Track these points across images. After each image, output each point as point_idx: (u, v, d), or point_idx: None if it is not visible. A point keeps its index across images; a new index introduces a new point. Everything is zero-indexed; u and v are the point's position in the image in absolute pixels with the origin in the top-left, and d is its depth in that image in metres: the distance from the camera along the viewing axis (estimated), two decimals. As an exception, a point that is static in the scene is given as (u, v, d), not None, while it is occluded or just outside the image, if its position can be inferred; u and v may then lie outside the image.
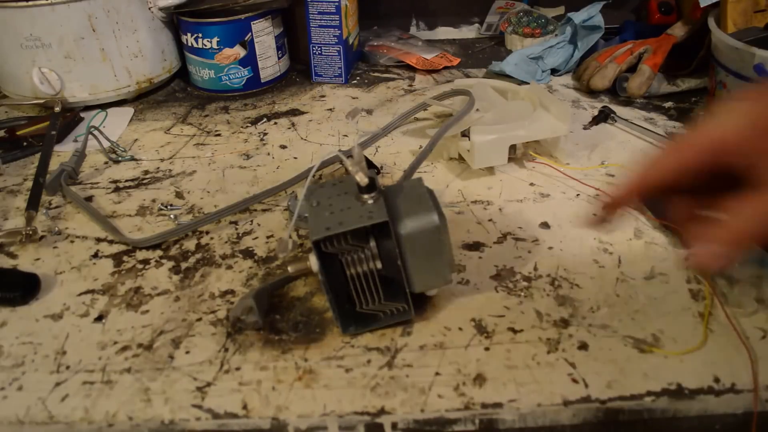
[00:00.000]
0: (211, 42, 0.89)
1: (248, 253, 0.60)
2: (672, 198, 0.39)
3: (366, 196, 0.47)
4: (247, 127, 0.83)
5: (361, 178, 0.46)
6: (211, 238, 0.62)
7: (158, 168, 0.75)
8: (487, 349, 0.48)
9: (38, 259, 0.60)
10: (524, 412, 0.44)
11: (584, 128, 0.78)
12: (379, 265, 0.47)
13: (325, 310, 0.52)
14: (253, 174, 0.72)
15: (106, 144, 0.77)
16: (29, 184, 0.71)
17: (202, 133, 0.82)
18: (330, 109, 0.87)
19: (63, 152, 0.78)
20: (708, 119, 0.36)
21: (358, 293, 0.48)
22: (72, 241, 0.63)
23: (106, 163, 0.76)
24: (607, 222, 0.40)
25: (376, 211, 0.46)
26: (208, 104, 0.91)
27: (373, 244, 0.46)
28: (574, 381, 0.45)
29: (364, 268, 0.47)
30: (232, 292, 0.55)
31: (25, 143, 0.79)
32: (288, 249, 0.49)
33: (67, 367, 0.48)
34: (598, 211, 0.40)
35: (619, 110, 0.80)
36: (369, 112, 0.85)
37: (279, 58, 0.95)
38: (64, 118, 0.82)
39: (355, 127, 0.81)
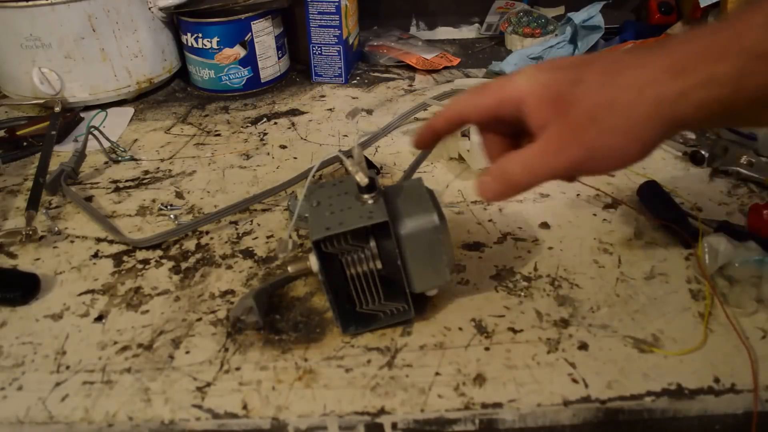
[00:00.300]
0: (211, 42, 0.89)
1: (248, 253, 0.60)
2: (487, 136, 0.45)
3: (366, 196, 0.47)
4: (247, 127, 0.83)
5: (361, 178, 0.46)
6: (211, 238, 0.62)
7: (158, 168, 0.75)
8: (487, 349, 0.48)
9: (38, 259, 0.60)
10: (524, 412, 0.44)
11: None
12: (379, 265, 0.47)
13: (325, 310, 0.52)
14: (253, 174, 0.72)
15: (106, 144, 0.77)
16: (29, 184, 0.71)
17: (202, 133, 0.82)
18: (330, 109, 0.87)
19: (63, 152, 0.78)
20: (508, 76, 0.41)
21: (358, 293, 0.48)
22: (72, 241, 0.63)
23: (106, 163, 0.76)
24: (424, 146, 0.47)
25: (376, 211, 0.46)
26: (208, 104, 0.91)
27: (373, 244, 0.46)
28: (574, 381, 0.45)
29: (364, 268, 0.47)
30: (232, 292, 0.55)
31: (25, 143, 0.79)
32: (288, 249, 0.49)
33: (67, 367, 0.48)
34: (418, 137, 0.46)
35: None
36: (369, 112, 0.85)
37: (279, 58, 0.95)
38: (64, 118, 0.82)
39: (355, 127, 0.81)
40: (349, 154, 0.47)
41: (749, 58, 0.34)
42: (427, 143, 0.47)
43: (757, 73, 0.34)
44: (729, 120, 0.38)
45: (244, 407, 0.44)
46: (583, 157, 0.38)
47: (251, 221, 0.64)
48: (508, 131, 0.44)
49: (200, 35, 0.89)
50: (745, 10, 0.36)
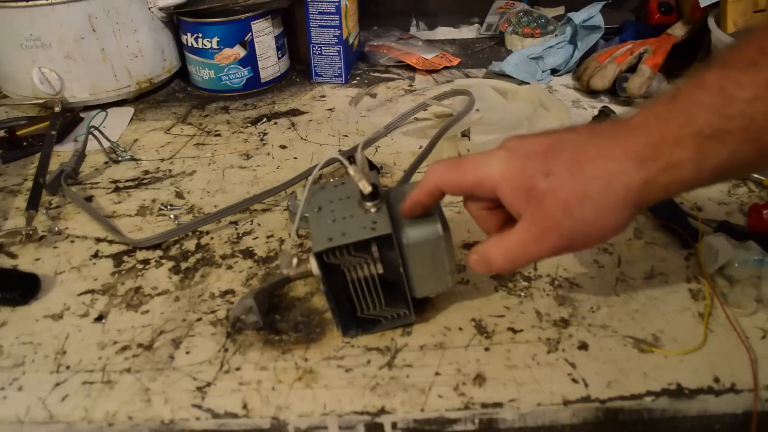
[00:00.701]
0: (211, 42, 0.89)
1: (248, 253, 0.60)
2: (472, 204, 0.46)
3: (369, 204, 0.46)
4: (247, 127, 0.83)
5: (365, 186, 0.45)
6: (211, 238, 0.62)
7: (158, 168, 0.75)
8: (487, 349, 0.48)
9: (38, 259, 0.60)
10: (524, 412, 0.44)
11: (584, 128, 0.78)
12: (380, 269, 0.46)
13: (325, 310, 0.52)
14: (253, 174, 0.72)
15: (106, 144, 0.77)
16: (29, 184, 0.71)
17: (202, 133, 0.82)
18: (330, 109, 0.87)
19: (63, 152, 0.78)
20: (479, 159, 0.43)
21: (359, 298, 0.47)
22: (72, 241, 0.63)
23: (106, 163, 0.76)
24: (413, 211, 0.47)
25: (379, 222, 0.45)
26: (208, 104, 0.91)
27: (374, 249, 0.46)
28: (574, 381, 0.45)
29: (365, 273, 0.46)
30: (232, 292, 0.55)
31: (25, 143, 0.79)
32: (292, 266, 0.49)
33: (67, 367, 0.48)
34: (408, 211, 0.46)
35: (619, 110, 0.79)
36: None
37: (279, 58, 0.95)
38: (64, 118, 0.82)
39: (355, 127, 0.81)
40: (350, 155, 0.46)
41: (703, 140, 0.37)
42: (416, 214, 0.47)
43: (713, 152, 0.37)
44: (715, 181, 0.40)
45: (244, 407, 0.44)
46: (561, 245, 0.41)
47: (251, 221, 0.64)
48: (492, 203, 0.45)
49: (200, 35, 0.89)
50: (693, 85, 0.38)
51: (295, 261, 0.49)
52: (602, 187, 0.39)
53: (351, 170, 0.45)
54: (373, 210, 0.46)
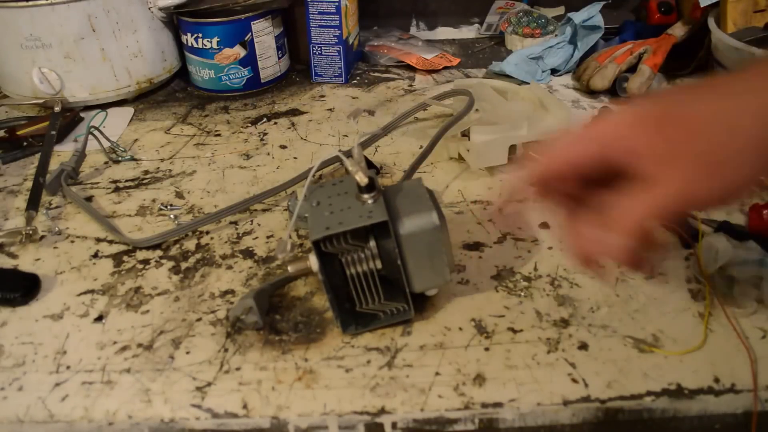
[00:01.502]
0: (211, 42, 0.89)
1: (248, 253, 0.60)
2: (563, 188, 0.41)
3: (366, 196, 0.47)
4: (247, 127, 0.83)
5: (361, 178, 0.46)
6: (211, 238, 0.62)
7: (158, 168, 0.75)
8: (487, 349, 0.48)
9: (38, 259, 0.60)
10: (524, 412, 0.44)
11: (584, 128, 0.78)
12: (378, 264, 0.47)
13: (325, 310, 0.52)
14: (253, 174, 0.72)
15: (106, 144, 0.77)
16: (29, 184, 0.71)
17: (202, 133, 0.82)
18: (330, 109, 0.87)
19: (63, 152, 0.78)
20: (600, 117, 0.37)
21: (358, 293, 0.48)
22: (72, 241, 0.63)
23: (106, 163, 0.76)
24: (506, 211, 0.41)
25: (375, 211, 0.46)
26: (208, 104, 0.91)
27: (372, 243, 0.46)
28: (574, 381, 0.45)
29: (363, 268, 0.47)
30: (232, 292, 0.55)
31: (25, 143, 0.79)
32: (287, 250, 0.49)
33: (67, 367, 0.48)
34: (502, 199, 0.41)
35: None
36: (371, 113, 0.85)
37: (279, 58, 0.95)
38: (64, 118, 0.82)
39: (355, 127, 0.81)
40: (349, 154, 0.47)
41: None
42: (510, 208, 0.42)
43: None
44: None
45: (244, 407, 0.44)
46: (700, 183, 0.35)
47: (251, 221, 0.64)
48: (580, 186, 0.40)
49: (200, 35, 0.89)
50: None
51: (289, 246, 0.49)
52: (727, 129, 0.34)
53: (348, 163, 0.46)
54: (370, 201, 0.47)
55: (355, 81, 0.96)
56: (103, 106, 0.89)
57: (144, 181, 0.72)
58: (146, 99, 0.93)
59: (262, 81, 0.94)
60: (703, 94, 0.37)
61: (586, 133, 0.39)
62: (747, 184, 0.36)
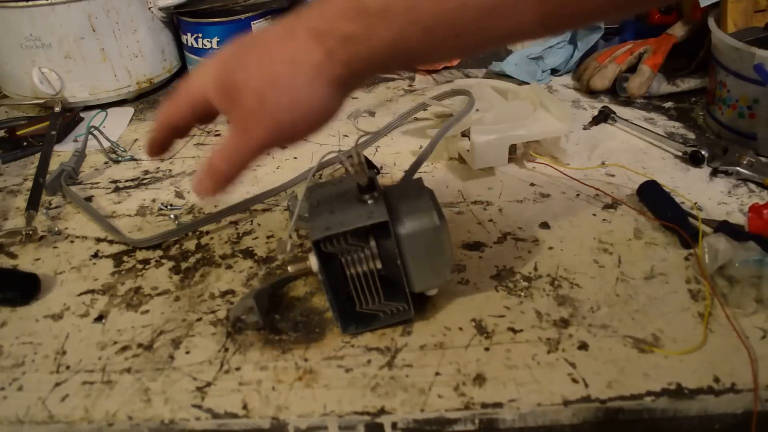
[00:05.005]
0: (211, 42, 0.89)
1: (248, 253, 0.60)
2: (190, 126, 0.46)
3: (366, 196, 0.47)
4: (247, 127, 0.83)
5: (361, 178, 0.46)
6: (211, 238, 0.62)
7: (158, 168, 0.75)
8: (487, 349, 0.48)
9: (38, 259, 0.60)
10: (524, 412, 0.44)
11: (584, 128, 0.78)
12: (378, 264, 0.47)
13: (325, 310, 0.52)
14: (253, 174, 0.72)
15: (106, 144, 0.77)
16: (29, 184, 0.71)
17: (202, 133, 0.82)
18: (330, 109, 0.87)
19: (63, 152, 0.78)
20: (192, 73, 0.43)
21: (358, 293, 0.48)
22: (72, 241, 0.63)
23: (106, 163, 0.76)
24: (154, 149, 0.47)
25: (375, 211, 0.46)
26: (208, 104, 0.91)
27: (373, 243, 0.46)
28: (574, 381, 0.45)
29: (363, 268, 0.47)
30: (232, 292, 0.55)
31: (25, 143, 0.79)
32: (287, 250, 0.49)
33: (67, 367, 0.48)
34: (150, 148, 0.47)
35: (619, 110, 0.80)
36: (371, 113, 0.85)
37: (279, 58, 0.95)
38: (64, 118, 0.82)
39: (355, 127, 0.81)
40: (349, 154, 0.47)
41: (370, 16, 0.37)
42: (161, 149, 0.48)
43: (381, 30, 0.37)
44: (398, 64, 0.40)
45: (244, 407, 0.44)
46: (272, 134, 0.41)
47: (251, 221, 0.64)
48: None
49: (200, 35, 0.89)
50: None
51: (289, 246, 0.49)
52: (289, 69, 0.39)
53: (348, 164, 0.46)
54: (370, 201, 0.47)
55: (355, 81, 0.96)
56: (103, 106, 0.89)
57: (144, 181, 0.72)
58: (146, 99, 0.93)
59: (262, 81, 0.94)
60: (265, 51, 0.40)
61: (181, 92, 0.44)
62: (322, 121, 0.41)
